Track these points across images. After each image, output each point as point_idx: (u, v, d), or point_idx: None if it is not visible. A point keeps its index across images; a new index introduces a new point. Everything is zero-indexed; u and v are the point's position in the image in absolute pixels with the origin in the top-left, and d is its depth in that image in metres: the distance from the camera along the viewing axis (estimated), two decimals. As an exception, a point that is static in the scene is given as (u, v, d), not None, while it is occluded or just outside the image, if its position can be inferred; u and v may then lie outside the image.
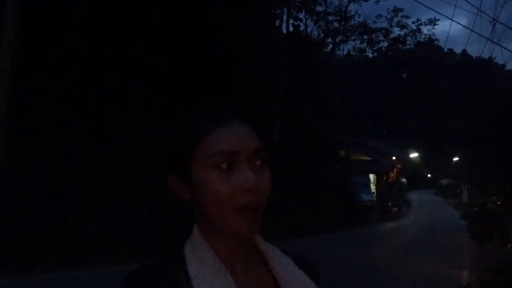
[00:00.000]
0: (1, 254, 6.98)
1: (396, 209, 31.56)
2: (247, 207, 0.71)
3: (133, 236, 9.10)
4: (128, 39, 11.85)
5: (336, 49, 30.60)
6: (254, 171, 0.72)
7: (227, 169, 0.71)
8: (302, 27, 25.68)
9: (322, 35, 27.19)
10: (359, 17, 29.90)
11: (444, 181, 53.99)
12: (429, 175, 64.49)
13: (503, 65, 44.23)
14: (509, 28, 10.28)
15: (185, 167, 0.75)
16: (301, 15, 25.36)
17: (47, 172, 8.89)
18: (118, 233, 8.86)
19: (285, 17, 21.83)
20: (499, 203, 15.97)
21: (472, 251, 13.02)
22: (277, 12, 21.68)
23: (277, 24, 22.12)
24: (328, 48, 29.01)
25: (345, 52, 35.81)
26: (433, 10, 11.38)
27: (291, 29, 22.83)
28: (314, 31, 26.80)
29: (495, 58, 53.54)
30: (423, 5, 9.87)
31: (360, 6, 32.77)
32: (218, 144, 0.72)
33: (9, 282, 6.49)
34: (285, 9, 21.97)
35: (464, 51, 64.26)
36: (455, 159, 48.57)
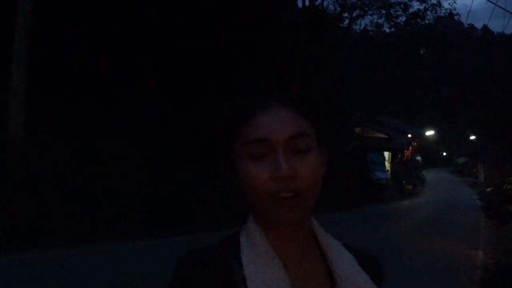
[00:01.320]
0: (20, 229, 7.16)
1: (411, 187, 31.46)
2: (282, 195, 0.69)
3: (149, 214, 9.25)
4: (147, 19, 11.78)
5: (353, 24, 29.87)
6: (291, 158, 0.70)
7: (262, 157, 0.70)
8: (318, 1, 25.09)
9: (338, 9, 26.54)
10: (378, -10, 28.96)
11: (460, 160, 53.47)
12: (444, 154, 63.86)
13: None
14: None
15: (229, 156, 0.74)
16: (318, -11, 24.70)
17: (66, 150, 9.01)
18: (134, 211, 9.01)
19: (301, -9, 21.30)
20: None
21: (488, 232, 12.94)
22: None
23: (293, -1, 21.64)
24: (345, 23, 28.35)
25: (362, 27, 34.97)
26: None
27: (307, 3, 22.31)
28: (330, 6, 26.17)
29: (518, 33, 51.90)
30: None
31: (379, -21, 31.80)
32: (251, 132, 0.71)
33: (28, 256, 6.66)
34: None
35: (485, 26, 62.29)
36: (472, 137, 47.83)
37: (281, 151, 0.69)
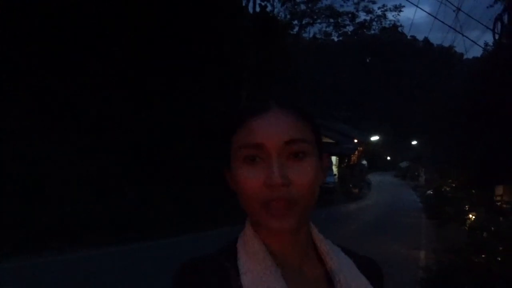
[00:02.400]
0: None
1: (357, 190, 32.43)
2: (274, 203, 0.66)
3: (102, 220, 8.90)
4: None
5: (303, 31, 30.58)
6: (285, 165, 0.67)
7: (255, 162, 0.68)
8: (269, 8, 25.41)
9: (288, 17, 27.08)
10: (327, 0, 29.90)
11: (403, 164, 55.90)
12: (388, 158, 66.55)
13: (462, 54, 45.71)
14: (472, 17, 10.54)
15: (228, 159, 0.72)
16: (269, -4, 25.01)
17: (17, 153, 8.49)
18: (89, 217, 8.64)
19: (252, -3, 21.50)
20: (454, 185, 16.66)
21: (429, 232, 13.56)
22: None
23: (243, 4, 21.79)
24: (295, 30, 28.95)
25: (311, 35, 35.88)
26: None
27: (258, 9, 22.56)
28: (281, 13, 26.64)
29: (455, 47, 55.44)
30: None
31: (328, -12, 32.81)
32: (246, 135, 0.69)
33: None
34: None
35: (426, 38, 65.88)
36: (414, 142, 50.21)
37: (275, 157, 0.67)
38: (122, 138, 11.28)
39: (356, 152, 43.10)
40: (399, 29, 35.30)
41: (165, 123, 12.76)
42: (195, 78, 14.08)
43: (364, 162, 48.79)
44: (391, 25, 31.32)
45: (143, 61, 12.37)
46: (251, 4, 21.58)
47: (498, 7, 11.31)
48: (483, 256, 5.86)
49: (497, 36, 10.90)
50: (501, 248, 5.81)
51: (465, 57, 42.88)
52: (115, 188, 10.27)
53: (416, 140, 47.95)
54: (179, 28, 13.35)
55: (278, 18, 26.05)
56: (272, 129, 0.68)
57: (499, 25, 10.65)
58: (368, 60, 74.67)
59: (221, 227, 11.07)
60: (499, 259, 5.64)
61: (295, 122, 0.70)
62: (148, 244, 9.04)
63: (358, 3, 28.44)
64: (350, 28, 31.27)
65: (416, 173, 45.46)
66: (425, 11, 26.64)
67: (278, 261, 0.71)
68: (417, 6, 12.43)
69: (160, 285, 5.68)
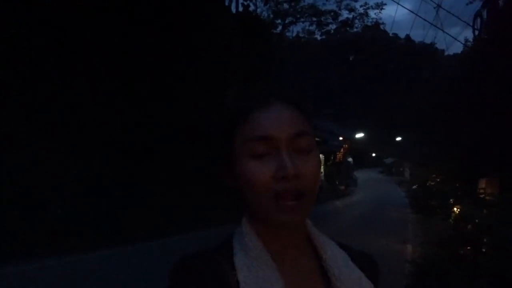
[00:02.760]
0: None
1: (343, 187, 32.69)
2: (286, 196, 0.66)
3: (88, 224, 8.79)
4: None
5: (286, 30, 30.68)
6: (294, 157, 0.67)
7: (264, 155, 0.67)
8: (252, 8, 25.41)
9: (271, 16, 27.11)
10: (309, -2, 30.03)
11: (388, 160, 56.58)
12: (374, 154, 67.22)
13: (443, 50, 46.42)
14: (452, 14, 10.70)
15: (228, 154, 0.71)
16: (252, -5, 25.02)
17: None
18: (75, 221, 8.52)
19: (235, -4, 21.47)
20: (438, 180, 16.90)
21: (415, 227, 13.75)
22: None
23: (226, 3, 21.75)
24: (278, 29, 29.01)
25: (294, 34, 36.03)
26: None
27: (241, 9, 22.53)
28: (264, 12, 26.67)
29: (436, 43, 56.27)
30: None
31: (310, -13, 33.02)
32: (253, 129, 0.68)
33: None
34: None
35: (407, 36, 66.70)
36: (398, 138, 50.80)
37: (284, 149, 0.67)
38: (108, 140, 11.17)
39: (342, 150, 43.41)
40: (381, 26, 35.82)
41: (150, 124, 12.68)
42: (181, 79, 14.02)
43: (350, 159, 49.12)
44: (373, 23, 31.76)
45: (128, 62, 12.26)
46: (234, 4, 21.55)
47: (477, 4, 11.52)
48: (468, 248, 5.97)
49: (477, 32, 11.10)
50: (485, 240, 5.93)
51: (446, 53, 43.62)
52: (101, 190, 10.16)
53: (400, 136, 48.55)
54: (164, 30, 13.27)
55: (261, 17, 26.09)
56: (279, 122, 0.68)
57: (478, 21, 10.85)
58: (351, 58, 75.26)
59: (208, 228, 11.05)
60: (484, 250, 5.76)
61: (297, 115, 0.71)
62: (136, 247, 8.97)
63: (340, 2, 28.66)
64: (333, 27, 31.57)
65: (401, 169, 46.04)
66: (406, 9, 27.02)
67: (275, 257, 0.70)
68: (398, 4, 12.59)
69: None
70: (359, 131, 53.87)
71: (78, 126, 10.73)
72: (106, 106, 11.52)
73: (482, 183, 10.08)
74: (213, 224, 11.18)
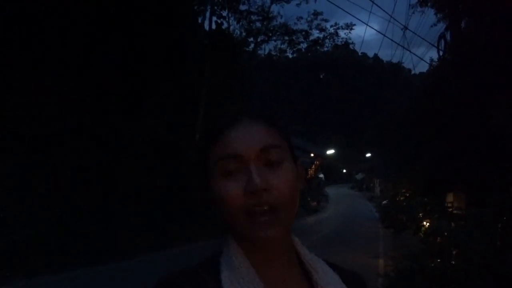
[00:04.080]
0: None
1: (315, 203, 32.90)
2: (258, 211, 0.67)
3: (58, 243, 8.50)
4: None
5: (258, 48, 31.06)
6: (264, 171, 0.68)
7: (235, 173, 0.68)
8: (225, 25, 25.68)
9: (244, 34, 27.44)
10: (281, 18, 30.60)
11: (359, 176, 57.40)
12: (344, 170, 68.12)
13: (410, 70, 48.08)
14: (417, 35, 11.15)
15: (205, 176, 0.72)
16: (224, 13, 25.34)
17: None
18: (44, 241, 8.21)
19: (208, 14, 21.69)
20: (407, 195, 17.29)
21: (387, 241, 13.98)
22: (199, 9, 21.46)
23: (199, 21, 21.90)
24: (250, 47, 29.35)
25: (266, 52, 36.50)
26: (349, 14, 12.02)
27: (214, 26, 22.71)
28: (236, 30, 26.97)
29: (403, 62, 58.27)
30: (341, 8, 10.45)
31: (282, 7, 33.64)
32: (223, 148, 0.70)
33: None
34: (208, 6, 21.80)
35: (376, 55, 68.74)
36: (368, 154, 51.80)
37: (253, 164, 0.68)
38: (76, 158, 10.90)
39: (313, 166, 43.88)
40: (351, 46, 36.74)
41: (120, 141, 12.49)
42: (151, 95, 13.91)
43: (321, 175, 49.69)
44: (343, 42, 32.48)
45: (98, 77, 12.08)
46: (207, 22, 21.73)
47: (442, 26, 12.09)
48: (438, 260, 6.12)
49: (441, 53, 11.61)
50: (454, 252, 6.10)
51: (413, 72, 45.18)
52: (69, 209, 9.87)
53: (370, 152, 49.62)
54: (136, 44, 13.19)
55: (234, 35, 26.36)
56: (247, 138, 0.69)
57: (442, 42, 11.36)
58: (321, 76, 76.80)
59: (183, 245, 10.89)
60: (453, 262, 5.92)
61: (266, 130, 0.71)
62: (106, 267, 8.73)
63: (311, 21, 29.30)
64: (304, 45, 32.12)
65: (372, 184, 46.81)
66: (374, 29, 28.00)
67: (262, 275, 0.69)
68: (367, 25, 13.05)
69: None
70: (330, 148, 54.66)
71: (45, 143, 10.44)
72: (74, 122, 11.27)
73: (450, 197, 10.40)
74: (187, 242, 11.05)
